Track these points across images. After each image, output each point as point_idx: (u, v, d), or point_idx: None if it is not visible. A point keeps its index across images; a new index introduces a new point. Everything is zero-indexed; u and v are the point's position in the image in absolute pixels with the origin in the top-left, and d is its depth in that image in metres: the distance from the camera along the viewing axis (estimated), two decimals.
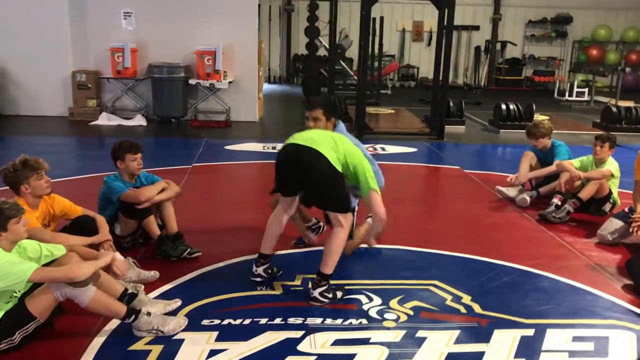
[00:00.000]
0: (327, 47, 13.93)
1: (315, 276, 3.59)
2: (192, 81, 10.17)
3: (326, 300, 3.55)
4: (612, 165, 5.40)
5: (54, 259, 3.16)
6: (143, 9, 10.15)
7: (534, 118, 10.19)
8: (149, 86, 10.26)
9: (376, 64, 14.72)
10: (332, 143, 3.52)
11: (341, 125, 4.11)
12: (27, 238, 3.12)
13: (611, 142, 5.45)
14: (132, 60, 10.04)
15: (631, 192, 4.87)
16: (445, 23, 9.33)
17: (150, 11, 10.17)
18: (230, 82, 10.31)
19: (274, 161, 3.65)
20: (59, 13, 10.01)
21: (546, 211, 5.34)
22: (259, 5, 11.46)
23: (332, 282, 3.63)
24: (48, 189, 3.70)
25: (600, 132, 5.75)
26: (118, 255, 3.68)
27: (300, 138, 3.56)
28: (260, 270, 3.83)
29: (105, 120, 10.03)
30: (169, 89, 10.08)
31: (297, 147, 3.51)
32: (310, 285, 3.62)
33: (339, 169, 3.46)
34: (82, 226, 3.84)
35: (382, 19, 14.55)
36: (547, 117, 10.59)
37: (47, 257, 3.13)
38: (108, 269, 3.18)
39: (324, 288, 3.57)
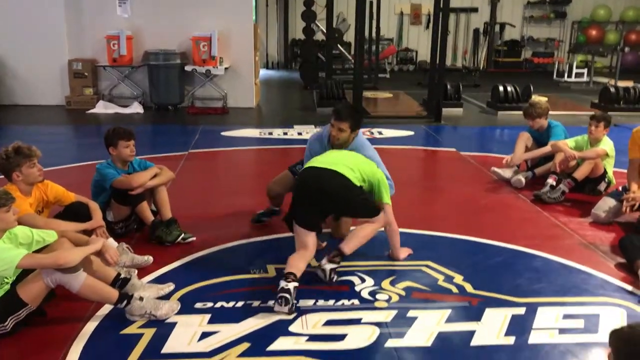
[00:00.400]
0: (325, 31, 13.86)
1: (334, 251, 3.65)
2: (188, 68, 10.14)
3: (332, 278, 3.58)
4: (606, 144, 5.39)
5: (46, 245, 3.17)
6: None
7: (532, 99, 10.15)
8: (145, 73, 10.24)
9: (374, 47, 14.64)
10: (351, 164, 3.69)
11: (361, 135, 4.21)
12: (20, 224, 3.14)
13: (606, 122, 5.43)
14: (127, 47, 10.01)
15: (626, 171, 4.87)
16: (442, 5, 9.27)
17: None
18: (226, 68, 10.28)
19: (296, 187, 3.78)
20: (54, 2, 9.96)
21: (541, 191, 5.34)
22: None
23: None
24: (40, 177, 3.71)
25: (595, 112, 5.72)
26: (111, 241, 3.73)
27: (322, 162, 3.70)
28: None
29: (102, 108, 10.03)
30: (165, 76, 10.05)
31: (332, 173, 3.59)
32: (324, 261, 3.63)
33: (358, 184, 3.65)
34: (75, 212, 3.85)
35: (379, 2, 14.45)
36: (546, 98, 10.54)
37: (38, 243, 3.15)
38: (100, 256, 3.20)
39: (336, 265, 3.61)
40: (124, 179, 4.10)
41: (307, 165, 3.80)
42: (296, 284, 3.29)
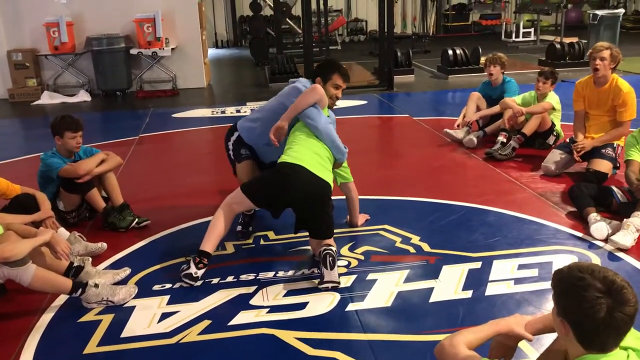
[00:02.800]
0: (272, 5, 13.66)
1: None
2: (133, 51, 9.88)
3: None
4: (552, 98, 5.49)
5: None
6: None
7: (481, 61, 10.27)
8: (90, 60, 9.93)
9: (323, 20, 14.52)
10: (327, 156, 3.51)
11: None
12: None
13: (554, 78, 5.54)
14: (69, 34, 9.68)
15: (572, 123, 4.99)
16: None
17: None
18: (173, 49, 10.06)
19: (275, 181, 3.37)
20: None
21: (492, 149, 5.43)
22: None
23: (282, 235, 3.63)
24: None
25: (543, 69, 5.82)
26: (62, 231, 3.65)
27: (321, 171, 3.38)
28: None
29: (47, 99, 9.71)
30: (111, 61, 9.78)
31: (323, 182, 3.36)
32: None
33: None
34: (22, 205, 3.71)
35: None
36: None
37: None
38: (51, 250, 3.11)
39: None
40: (69, 167, 3.99)
41: (290, 159, 3.38)
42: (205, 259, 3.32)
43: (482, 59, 10.42)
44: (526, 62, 11.77)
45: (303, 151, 3.43)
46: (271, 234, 3.93)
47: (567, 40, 11.84)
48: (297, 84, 3.72)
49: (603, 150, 4.68)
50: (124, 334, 2.84)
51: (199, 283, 3.29)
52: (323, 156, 3.49)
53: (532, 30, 15.28)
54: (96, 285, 3.08)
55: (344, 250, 3.62)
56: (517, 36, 15.27)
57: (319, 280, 3.22)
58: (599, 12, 11.55)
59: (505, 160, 5.32)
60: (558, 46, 10.97)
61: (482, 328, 1.96)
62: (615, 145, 4.72)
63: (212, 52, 15.71)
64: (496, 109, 5.87)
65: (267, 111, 3.84)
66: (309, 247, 3.66)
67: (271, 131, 3.58)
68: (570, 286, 1.59)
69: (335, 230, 3.90)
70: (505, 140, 5.47)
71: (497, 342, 2.01)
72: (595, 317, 1.53)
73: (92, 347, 2.75)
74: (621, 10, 12.24)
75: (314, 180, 3.33)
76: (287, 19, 14.72)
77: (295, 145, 3.48)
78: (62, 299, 3.15)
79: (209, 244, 3.35)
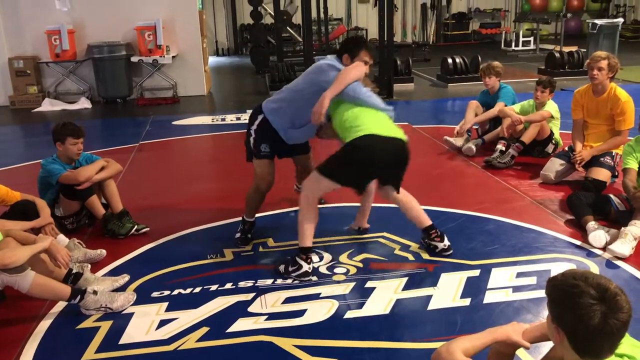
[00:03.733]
0: (273, 14, 13.71)
1: (427, 235, 3.66)
2: (134, 59, 9.92)
3: None
4: (551, 107, 5.51)
5: None
6: None
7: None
8: (91, 67, 9.97)
9: (323, 28, 14.58)
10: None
11: None
12: None
13: (552, 87, 5.56)
14: (70, 42, 9.72)
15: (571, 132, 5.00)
16: None
17: None
18: (174, 57, 10.10)
19: (360, 156, 3.33)
20: None
21: (491, 157, 5.44)
22: None
23: (281, 242, 3.63)
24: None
25: (541, 77, 5.85)
26: (61, 238, 3.66)
27: (396, 132, 3.44)
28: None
29: (48, 106, 9.74)
30: (112, 69, 9.82)
31: (403, 143, 3.43)
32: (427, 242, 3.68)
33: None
34: (22, 211, 3.73)
35: None
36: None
37: None
38: (50, 257, 3.12)
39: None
40: (69, 174, 4.00)
41: (375, 132, 3.34)
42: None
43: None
44: (525, 71, 11.80)
45: (368, 121, 3.40)
46: (270, 241, 3.93)
47: (566, 49, 11.89)
48: (326, 61, 3.63)
49: (602, 159, 4.69)
50: (122, 341, 2.84)
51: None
52: (385, 117, 3.53)
53: (531, 39, 15.34)
54: (95, 292, 3.08)
55: (343, 258, 3.63)
56: (516, 45, 15.33)
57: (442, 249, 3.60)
58: (598, 22, 11.60)
59: (504, 169, 5.33)
60: (557, 55, 11.01)
61: (479, 336, 1.97)
62: (613, 154, 4.73)
63: (212, 59, 15.78)
64: (494, 111, 5.89)
65: (292, 90, 3.73)
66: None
67: (315, 107, 3.43)
68: (564, 293, 1.60)
69: (332, 238, 3.95)
70: (504, 149, 5.48)
71: (494, 350, 2.02)
72: (589, 324, 1.53)
73: (90, 354, 2.74)
74: (620, 20, 12.28)
75: (398, 144, 3.39)
76: (287, 28, 14.78)
77: (358, 120, 3.40)
78: (60, 305, 3.15)
79: (308, 239, 3.41)
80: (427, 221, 3.65)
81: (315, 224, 3.44)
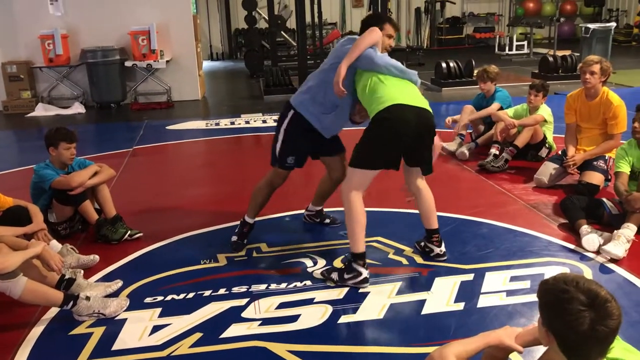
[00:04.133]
0: (267, 19, 13.73)
1: (429, 237, 3.63)
2: (128, 63, 9.90)
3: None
4: (544, 111, 5.54)
5: None
6: None
7: (475, 73, 10.38)
8: (85, 72, 9.94)
9: (317, 33, 14.59)
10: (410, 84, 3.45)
11: None
12: None
13: (545, 91, 5.59)
14: (63, 46, 9.69)
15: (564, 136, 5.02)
16: None
17: None
18: (168, 61, 10.09)
19: (386, 127, 3.21)
20: None
21: (485, 161, 5.45)
22: None
23: (275, 248, 3.62)
24: None
25: (534, 81, 5.88)
26: (54, 244, 3.65)
27: (420, 101, 3.31)
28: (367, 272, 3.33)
29: (42, 111, 9.71)
30: (105, 74, 9.79)
31: (428, 113, 3.31)
32: (423, 244, 3.68)
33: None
34: (15, 217, 3.71)
35: None
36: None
37: None
38: (43, 263, 3.11)
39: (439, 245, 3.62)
40: (62, 179, 3.98)
41: (401, 101, 3.23)
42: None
43: (476, 72, 10.56)
44: (519, 75, 11.85)
45: (390, 90, 3.27)
46: (264, 246, 3.92)
47: (559, 53, 11.94)
48: (347, 38, 3.55)
49: (595, 163, 4.72)
50: (115, 347, 2.83)
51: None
52: (409, 85, 3.39)
53: (525, 43, 15.40)
54: (87, 298, 3.07)
55: (337, 262, 3.62)
56: (510, 49, 15.38)
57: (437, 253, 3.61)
58: (591, 26, 11.67)
59: (497, 172, 5.34)
60: (551, 59, 11.06)
61: (472, 340, 1.97)
62: (607, 158, 4.75)
63: (207, 64, 15.77)
64: (488, 110, 5.89)
65: (317, 74, 3.62)
66: (301, 260, 3.67)
67: (335, 79, 3.32)
68: (555, 298, 1.60)
69: (328, 243, 3.94)
70: (497, 153, 5.50)
71: (487, 354, 2.02)
72: (578, 330, 1.53)
73: None
74: (613, 24, 12.35)
75: (422, 114, 3.25)
76: (282, 32, 14.79)
77: (380, 90, 3.28)
78: (53, 311, 3.13)
79: (361, 244, 3.28)
80: (436, 224, 3.63)
81: (365, 225, 3.29)
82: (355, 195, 3.29)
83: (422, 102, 3.33)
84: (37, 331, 2.99)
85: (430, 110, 3.35)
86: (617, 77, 10.25)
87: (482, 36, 19.07)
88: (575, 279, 1.61)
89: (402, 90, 3.32)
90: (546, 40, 18.31)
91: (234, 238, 3.91)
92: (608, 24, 12.05)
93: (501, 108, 5.88)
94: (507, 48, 15.55)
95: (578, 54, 11.35)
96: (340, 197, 3.36)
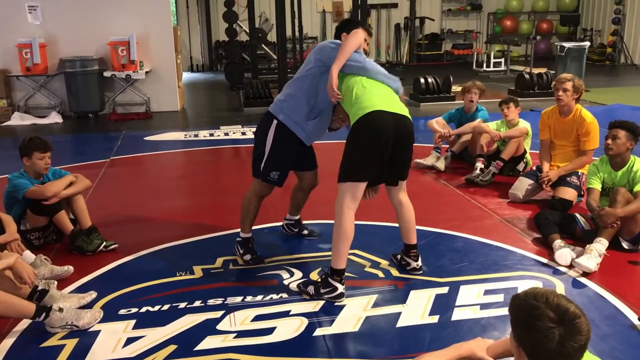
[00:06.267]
0: (247, 31, 13.78)
1: (407, 251, 3.67)
2: (107, 73, 9.85)
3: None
4: (526, 123, 5.66)
5: None
6: (49, 1, 9.72)
7: (453, 89, 10.57)
8: (63, 82, 9.87)
9: (298, 46, 14.68)
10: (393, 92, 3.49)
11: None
12: None
13: (514, 102, 5.74)
14: (41, 55, 9.61)
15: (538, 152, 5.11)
16: (359, 2, 9.41)
17: (57, 3, 9.74)
18: (147, 72, 10.05)
19: (366, 129, 3.22)
20: None
21: (472, 175, 5.53)
22: None
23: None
24: None
25: (503, 96, 6.01)
26: (27, 254, 3.59)
27: (400, 108, 3.35)
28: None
29: (18, 120, 9.60)
30: (84, 83, 9.72)
31: (408, 120, 3.34)
32: (399, 257, 3.72)
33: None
34: None
35: (300, 0, 14.47)
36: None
37: None
38: (15, 275, 3.06)
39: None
40: (36, 188, 3.94)
41: (382, 108, 3.25)
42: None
43: (454, 88, 10.70)
44: (496, 91, 12.01)
45: (372, 96, 3.31)
46: (240, 259, 3.91)
47: (536, 70, 12.16)
48: (327, 41, 3.61)
49: (568, 179, 4.80)
50: (88, 359, 2.79)
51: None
52: (390, 92, 3.43)
53: (502, 60, 15.64)
54: (60, 310, 3.02)
55: (313, 275, 3.62)
56: (487, 66, 15.61)
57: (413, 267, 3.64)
58: (566, 45, 11.91)
59: (485, 186, 5.41)
60: (527, 76, 11.24)
61: (445, 352, 1.99)
62: (580, 174, 4.84)
63: (187, 75, 15.74)
64: (470, 126, 5.95)
65: (298, 79, 3.64)
66: (278, 272, 3.67)
67: (327, 85, 3.35)
68: (524, 314, 1.62)
69: (304, 255, 3.95)
70: (483, 166, 5.58)
71: None
72: (547, 347, 1.55)
73: None
74: (587, 43, 12.64)
75: (401, 120, 3.28)
76: (262, 45, 14.85)
77: (363, 96, 3.31)
78: (24, 323, 3.08)
79: (343, 261, 3.31)
80: (415, 239, 3.66)
81: (349, 243, 3.32)
82: (347, 212, 3.31)
83: (402, 109, 3.38)
84: (7, 343, 2.94)
85: (410, 118, 3.39)
86: (591, 95, 10.48)
87: (460, 52, 19.35)
88: (545, 294, 1.63)
89: (384, 97, 3.37)
90: (523, 57, 18.63)
91: (247, 258, 3.84)
92: (582, 44, 12.31)
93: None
94: (484, 65, 15.78)
95: (554, 72, 11.56)
96: (335, 214, 3.35)
